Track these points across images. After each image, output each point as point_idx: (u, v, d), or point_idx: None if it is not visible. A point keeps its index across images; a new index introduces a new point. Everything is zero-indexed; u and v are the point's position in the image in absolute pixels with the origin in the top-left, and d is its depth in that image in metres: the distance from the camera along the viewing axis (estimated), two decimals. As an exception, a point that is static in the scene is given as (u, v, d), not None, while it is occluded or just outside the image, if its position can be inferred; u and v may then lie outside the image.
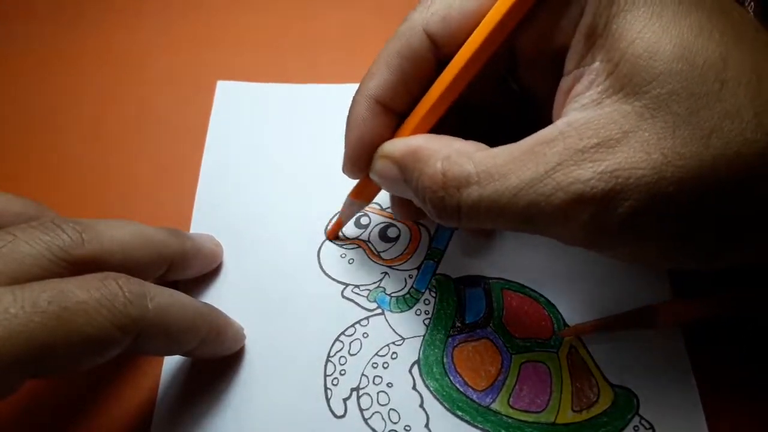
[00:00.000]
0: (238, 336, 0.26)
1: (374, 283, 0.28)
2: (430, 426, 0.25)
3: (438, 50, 0.23)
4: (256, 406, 0.25)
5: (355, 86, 0.34)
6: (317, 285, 0.28)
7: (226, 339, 0.25)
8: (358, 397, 0.26)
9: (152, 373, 0.26)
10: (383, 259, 0.29)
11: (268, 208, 0.31)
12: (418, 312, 0.28)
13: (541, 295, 0.28)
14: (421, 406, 0.26)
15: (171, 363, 0.26)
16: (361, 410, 0.25)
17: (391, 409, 0.25)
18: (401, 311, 0.28)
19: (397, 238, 0.30)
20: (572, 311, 0.28)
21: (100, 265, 0.21)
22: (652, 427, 0.25)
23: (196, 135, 0.33)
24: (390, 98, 0.24)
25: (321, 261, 0.29)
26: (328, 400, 0.26)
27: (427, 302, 0.28)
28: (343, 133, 0.26)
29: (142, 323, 0.20)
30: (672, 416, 0.25)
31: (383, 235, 0.30)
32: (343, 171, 0.26)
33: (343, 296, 0.28)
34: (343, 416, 0.25)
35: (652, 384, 0.26)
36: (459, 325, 0.27)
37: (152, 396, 0.26)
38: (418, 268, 0.29)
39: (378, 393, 0.26)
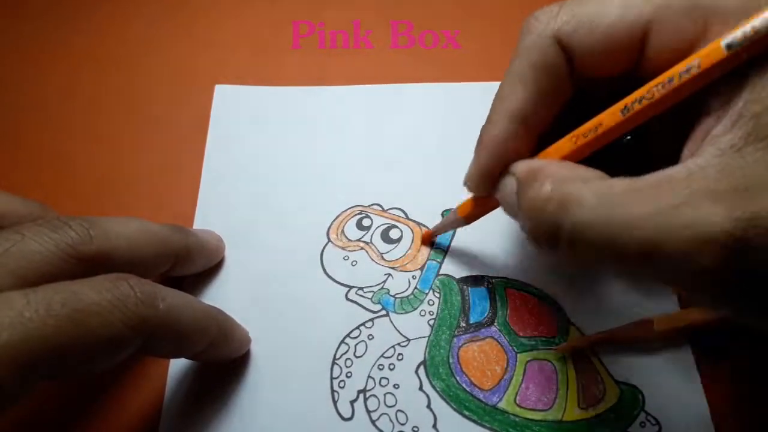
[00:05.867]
0: (244, 339, 0.26)
1: (378, 284, 0.28)
2: (438, 426, 0.25)
3: (570, 63, 0.22)
4: (263, 410, 0.25)
5: (355, 87, 0.35)
6: (321, 288, 0.28)
7: (233, 341, 0.25)
8: (365, 399, 0.26)
9: (158, 379, 0.26)
10: (386, 261, 0.29)
11: (269, 212, 0.30)
12: (423, 313, 0.28)
13: (545, 293, 0.28)
14: (429, 406, 0.25)
15: (176, 369, 0.26)
16: (369, 412, 0.25)
17: (398, 410, 0.25)
18: (405, 312, 0.28)
19: (400, 239, 0.30)
20: (576, 309, 0.28)
21: (108, 261, 0.21)
22: (658, 423, 0.25)
23: (195, 140, 0.33)
24: (529, 116, 0.22)
25: (324, 264, 0.29)
26: (335, 402, 0.25)
27: (431, 303, 0.28)
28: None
29: (154, 323, 0.20)
30: (677, 411, 0.25)
31: (386, 237, 0.30)
32: (466, 185, 0.25)
33: (347, 298, 0.28)
34: (350, 418, 0.25)
35: (656, 380, 0.26)
36: (463, 324, 0.27)
37: (158, 402, 0.25)
38: (421, 269, 0.29)
39: (385, 394, 0.26)
